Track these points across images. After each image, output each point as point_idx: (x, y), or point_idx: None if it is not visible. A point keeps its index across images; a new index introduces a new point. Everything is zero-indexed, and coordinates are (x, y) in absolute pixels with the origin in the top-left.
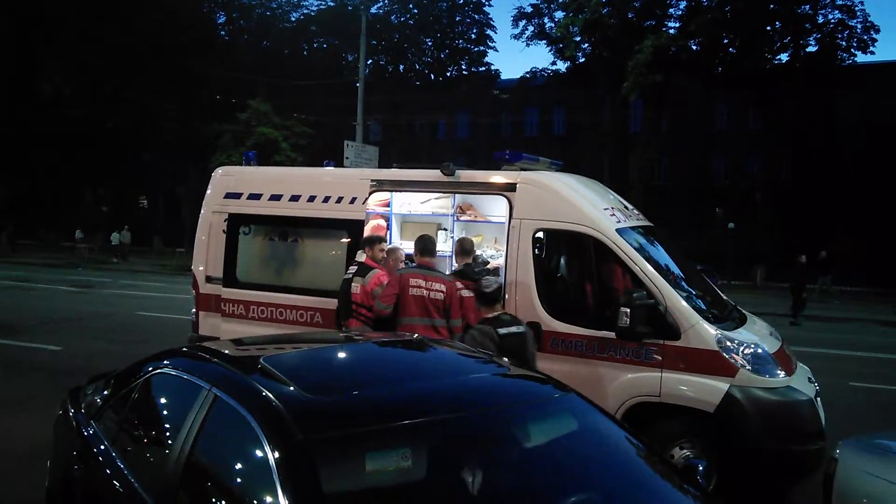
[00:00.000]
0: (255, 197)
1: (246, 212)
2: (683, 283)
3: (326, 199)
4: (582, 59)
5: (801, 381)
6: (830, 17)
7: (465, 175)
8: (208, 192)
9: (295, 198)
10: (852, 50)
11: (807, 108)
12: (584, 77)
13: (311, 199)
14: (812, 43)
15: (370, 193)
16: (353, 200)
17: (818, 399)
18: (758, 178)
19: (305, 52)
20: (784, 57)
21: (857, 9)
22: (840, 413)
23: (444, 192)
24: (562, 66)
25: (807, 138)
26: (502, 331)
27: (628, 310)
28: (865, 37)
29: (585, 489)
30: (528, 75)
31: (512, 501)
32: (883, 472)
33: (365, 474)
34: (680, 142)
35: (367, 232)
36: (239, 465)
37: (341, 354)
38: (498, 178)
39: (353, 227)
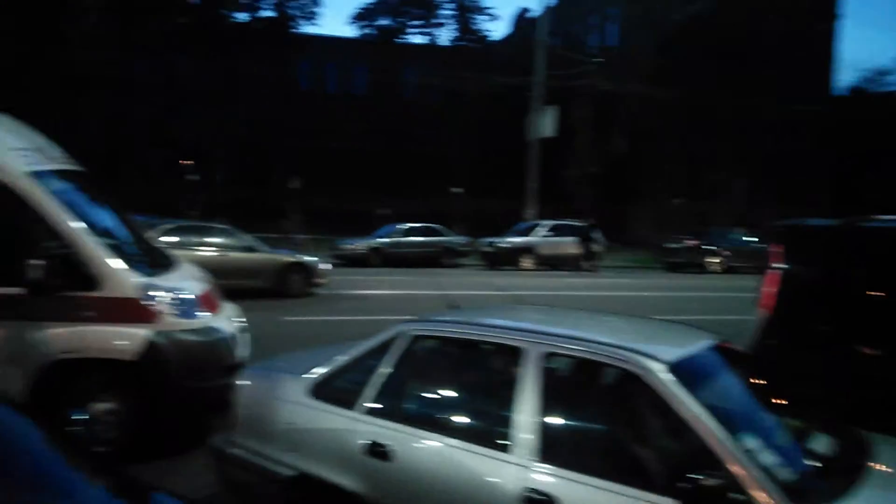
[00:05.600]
0: None
1: None
2: (108, 233)
3: None
4: None
5: (223, 320)
6: None
7: None
8: None
9: None
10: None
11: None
12: None
13: None
14: (269, 8)
15: None
16: None
17: (244, 335)
18: (218, 134)
19: None
20: (244, 16)
21: None
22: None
23: None
24: None
25: (263, 97)
26: None
27: (40, 262)
28: (312, 9)
29: None
30: None
31: None
32: (274, 391)
33: None
34: (145, 90)
35: None
36: None
37: None
38: None
39: None
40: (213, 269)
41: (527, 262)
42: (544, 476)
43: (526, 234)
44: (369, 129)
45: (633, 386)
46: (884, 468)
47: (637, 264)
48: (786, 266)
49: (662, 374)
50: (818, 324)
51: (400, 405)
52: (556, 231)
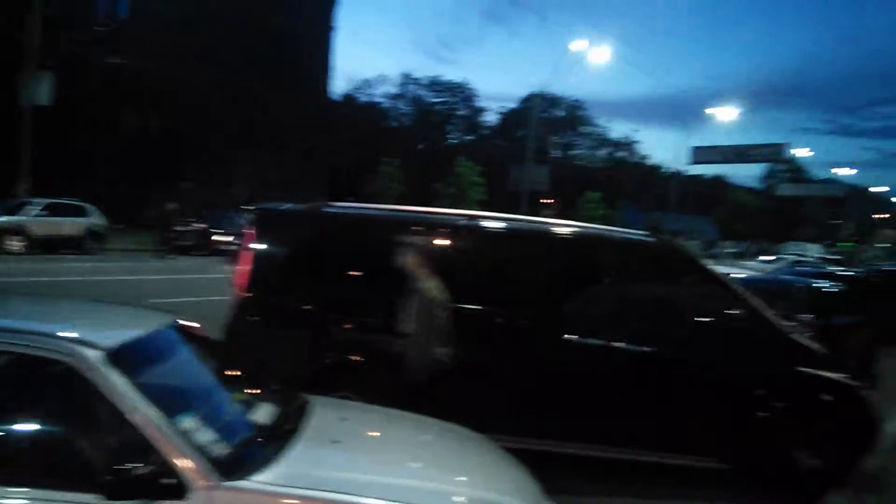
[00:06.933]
0: None
1: None
2: None
3: None
4: None
5: None
6: None
7: None
8: None
9: None
10: None
11: None
12: None
13: None
14: None
15: None
16: None
17: None
18: None
19: None
20: None
21: None
22: None
23: None
24: None
25: None
26: None
27: None
28: None
29: None
30: None
31: None
32: None
33: None
34: None
35: None
36: None
37: None
38: None
39: None
40: None
41: (15, 245)
42: None
43: (15, 213)
44: None
45: (65, 378)
46: (312, 426)
47: (146, 247)
48: (259, 246)
49: (98, 362)
50: (292, 298)
51: None
52: (53, 210)
